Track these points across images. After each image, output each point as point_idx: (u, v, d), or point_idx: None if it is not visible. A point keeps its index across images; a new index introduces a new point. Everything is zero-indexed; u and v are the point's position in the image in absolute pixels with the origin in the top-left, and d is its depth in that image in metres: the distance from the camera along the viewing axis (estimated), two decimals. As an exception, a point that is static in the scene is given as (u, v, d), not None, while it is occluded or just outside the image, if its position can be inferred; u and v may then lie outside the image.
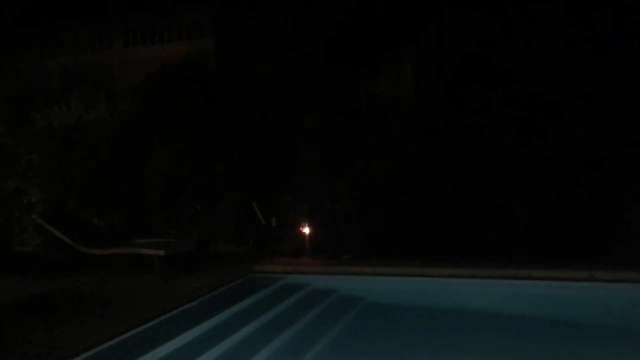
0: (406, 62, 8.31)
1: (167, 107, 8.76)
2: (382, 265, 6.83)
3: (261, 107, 8.48)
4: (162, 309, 5.25)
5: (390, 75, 8.43)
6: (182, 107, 8.58)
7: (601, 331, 5.44)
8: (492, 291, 6.28)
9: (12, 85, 11.72)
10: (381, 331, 5.76)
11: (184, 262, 7.03)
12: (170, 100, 8.80)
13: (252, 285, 6.50)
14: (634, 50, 7.38)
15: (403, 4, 10.47)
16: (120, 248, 6.92)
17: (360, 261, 7.16)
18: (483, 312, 6.06)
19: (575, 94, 7.41)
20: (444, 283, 6.49)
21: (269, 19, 10.99)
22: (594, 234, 6.73)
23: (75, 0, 13.26)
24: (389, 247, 7.42)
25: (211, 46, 11.66)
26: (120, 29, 12.93)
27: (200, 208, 8.46)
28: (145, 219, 8.72)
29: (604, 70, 7.42)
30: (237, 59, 9.34)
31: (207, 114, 8.52)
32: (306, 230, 7.89)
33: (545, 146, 7.33)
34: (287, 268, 7.09)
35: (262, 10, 11.24)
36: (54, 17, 13.13)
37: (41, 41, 13.47)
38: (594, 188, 6.98)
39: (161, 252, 6.53)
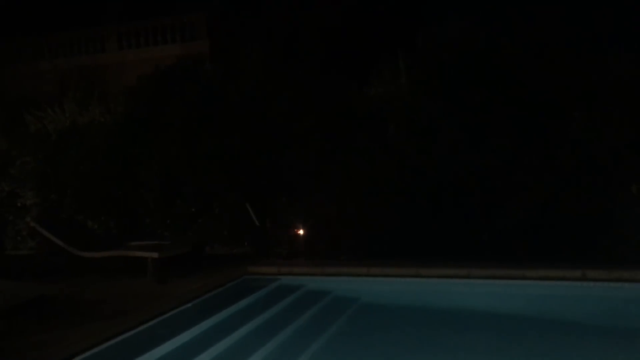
0: (402, 62, 8.33)
1: (161, 109, 8.75)
2: (377, 266, 6.84)
3: (256, 108, 8.48)
4: (157, 311, 5.24)
5: (387, 75, 8.45)
6: (177, 109, 8.57)
7: (595, 330, 5.45)
8: (486, 291, 6.30)
9: (5, 88, 11.69)
10: (376, 332, 5.76)
11: (179, 264, 7.02)
12: (164, 102, 8.79)
13: (247, 287, 6.49)
14: (633, 50, 7.42)
15: (400, 5, 10.50)
16: (115, 251, 6.90)
17: (355, 262, 7.17)
18: (478, 312, 6.07)
19: (574, 94, 7.42)
20: (439, 283, 6.50)
21: (264, 21, 11.02)
22: (591, 234, 6.75)
23: (69, 2, 13.24)
24: (385, 248, 7.42)
25: (205, 48, 11.69)
26: (114, 31, 12.94)
27: (195, 210, 8.46)
28: (141, 221, 8.72)
29: (603, 70, 7.44)
30: (231, 60, 9.34)
31: (202, 115, 8.51)
32: (301, 231, 7.89)
33: (544, 146, 7.34)
34: (282, 269, 7.09)
35: (257, 12, 11.27)
36: (49, 20, 13.12)
37: (35, 44, 13.45)
38: (592, 188, 7.00)
39: (155, 255, 6.52)
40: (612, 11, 8.01)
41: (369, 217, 7.58)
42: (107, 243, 7.37)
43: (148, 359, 4.28)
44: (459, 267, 6.54)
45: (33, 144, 9.55)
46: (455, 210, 7.41)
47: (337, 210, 7.80)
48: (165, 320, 5.13)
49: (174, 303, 5.53)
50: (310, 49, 9.69)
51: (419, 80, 8.12)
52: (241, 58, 9.09)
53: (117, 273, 6.91)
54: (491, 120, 7.49)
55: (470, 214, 7.36)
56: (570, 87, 7.46)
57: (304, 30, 10.35)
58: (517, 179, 7.27)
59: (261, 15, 11.16)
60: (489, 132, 7.46)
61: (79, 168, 8.95)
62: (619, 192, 6.88)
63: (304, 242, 7.85)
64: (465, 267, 6.52)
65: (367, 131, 7.98)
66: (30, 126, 9.86)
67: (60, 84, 11.24)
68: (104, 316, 5.29)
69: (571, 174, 7.10)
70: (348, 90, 8.55)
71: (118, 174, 8.75)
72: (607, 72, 7.39)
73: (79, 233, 7.83)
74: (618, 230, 6.66)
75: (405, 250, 7.28)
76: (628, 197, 6.82)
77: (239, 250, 8.58)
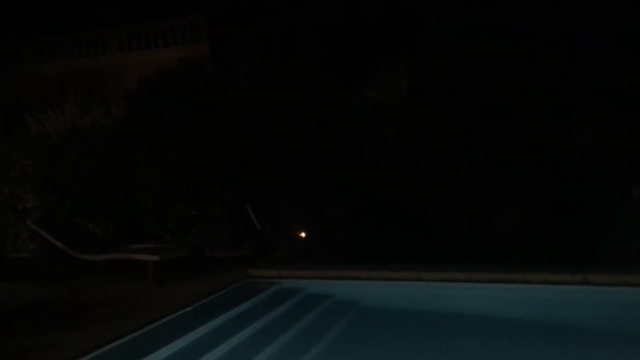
0: (400, 64, 8.32)
1: (161, 112, 8.74)
2: (378, 269, 6.82)
3: (256, 111, 8.47)
4: (157, 314, 5.22)
5: (385, 77, 8.45)
6: (177, 112, 8.56)
7: (597, 334, 5.43)
8: (488, 295, 6.27)
9: (6, 90, 11.69)
10: (377, 336, 5.75)
11: (179, 267, 7.00)
12: (165, 104, 8.78)
13: (247, 290, 6.47)
14: (633, 50, 7.41)
15: (396, 7, 10.50)
16: (115, 253, 6.89)
17: (355, 265, 7.14)
18: (479, 316, 6.04)
19: (572, 94, 7.41)
20: (440, 287, 6.47)
21: (264, 24, 11.01)
22: (590, 237, 6.73)
23: (70, 5, 13.24)
24: (386, 251, 7.40)
25: (206, 50, 11.68)
26: (115, 34, 12.94)
27: (195, 213, 8.45)
28: (141, 224, 8.70)
29: (601, 70, 7.44)
30: (232, 63, 9.34)
31: (202, 118, 8.50)
32: (302, 234, 7.87)
33: (542, 148, 7.33)
34: (282, 273, 7.06)
35: (257, 15, 11.27)
36: (49, 23, 13.12)
37: (36, 46, 13.45)
38: (590, 190, 6.98)
39: (155, 258, 6.50)
40: (612, 11, 8.01)
41: (367, 220, 7.58)
42: (107, 246, 7.35)
43: (149, 362, 4.27)
44: (460, 271, 6.51)
45: (34, 146, 9.55)
46: (451, 213, 7.40)
47: (337, 213, 7.79)
48: (165, 324, 5.10)
49: (174, 306, 5.50)
50: (310, 51, 9.69)
51: (415, 82, 8.11)
52: (240, 61, 9.09)
53: (117, 276, 6.90)
54: (487, 121, 7.48)
55: (466, 217, 7.34)
56: (566, 88, 7.46)
57: (303, 32, 10.35)
58: (513, 181, 7.26)
59: (260, 17, 11.17)
60: (484, 133, 7.45)
61: (79, 171, 8.94)
62: (618, 194, 6.87)
63: (305, 245, 7.83)
64: (466, 270, 6.48)
65: (368, 133, 7.98)
66: (31, 129, 9.86)
67: (61, 87, 11.23)
68: (103, 319, 5.28)
69: (568, 176, 7.09)
70: (347, 92, 8.55)
71: (118, 177, 8.74)
72: (605, 73, 7.39)
73: (79, 236, 7.81)
74: (620, 234, 6.64)
75: (405, 254, 7.27)
76: (629, 201, 6.81)
77: (240, 253, 8.56)
